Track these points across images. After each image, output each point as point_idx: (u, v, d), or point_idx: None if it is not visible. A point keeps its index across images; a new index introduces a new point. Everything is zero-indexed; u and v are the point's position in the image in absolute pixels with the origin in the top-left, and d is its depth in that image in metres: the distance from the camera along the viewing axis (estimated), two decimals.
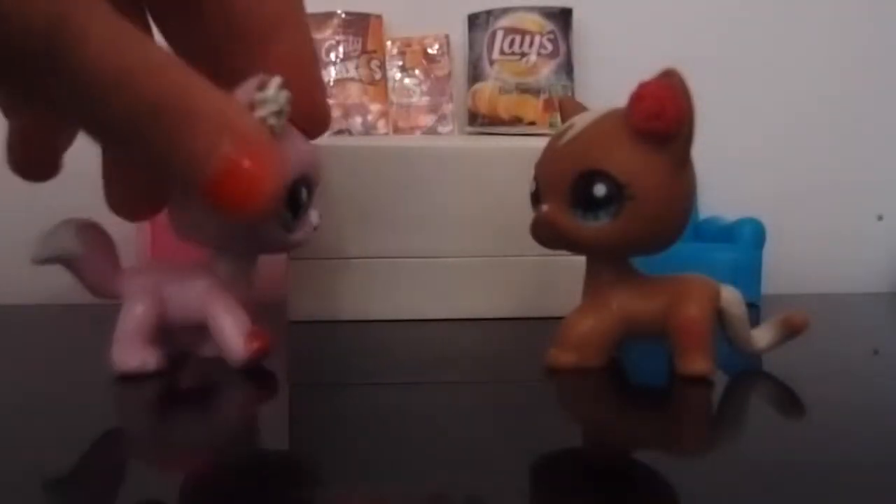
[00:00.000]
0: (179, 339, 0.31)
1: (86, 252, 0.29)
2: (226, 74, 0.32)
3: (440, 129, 0.51)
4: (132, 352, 0.29)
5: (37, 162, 0.26)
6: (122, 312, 0.30)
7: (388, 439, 0.23)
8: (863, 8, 0.56)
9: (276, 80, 0.26)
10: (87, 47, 0.17)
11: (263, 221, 0.28)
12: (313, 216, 0.31)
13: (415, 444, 0.23)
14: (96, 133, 0.20)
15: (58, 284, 0.48)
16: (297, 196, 0.29)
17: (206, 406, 0.28)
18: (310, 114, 0.28)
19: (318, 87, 0.29)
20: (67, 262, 0.29)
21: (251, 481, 0.20)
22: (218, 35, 0.26)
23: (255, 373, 0.30)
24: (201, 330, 0.30)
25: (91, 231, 0.30)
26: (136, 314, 0.29)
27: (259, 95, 0.26)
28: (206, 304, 0.30)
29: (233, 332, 0.30)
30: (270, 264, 0.34)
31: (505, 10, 0.50)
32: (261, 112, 0.26)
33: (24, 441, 0.23)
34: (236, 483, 0.20)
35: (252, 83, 0.26)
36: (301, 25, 0.27)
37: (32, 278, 0.48)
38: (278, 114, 0.26)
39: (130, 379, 0.29)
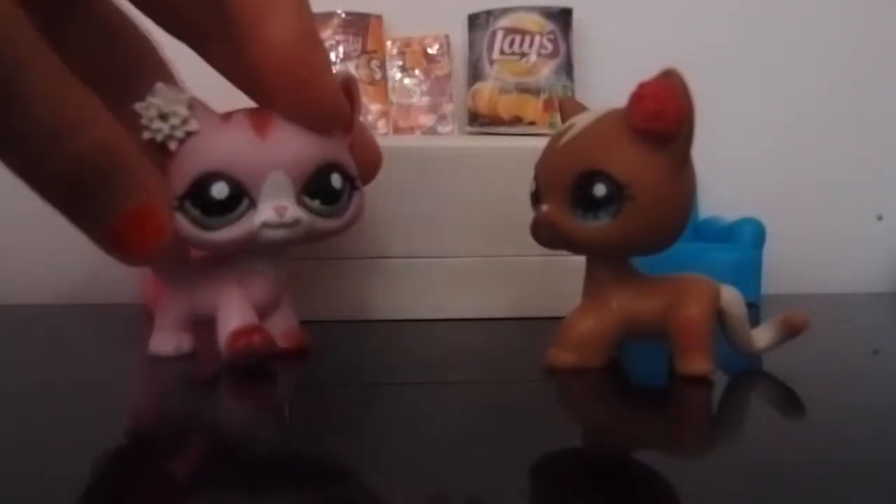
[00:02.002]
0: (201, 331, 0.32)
1: None
2: (217, 64, 0.32)
3: (440, 129, 0.51)
4: (161, 338, 0.32)
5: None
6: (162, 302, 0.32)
7: (387, 439, 0.23)
8: (863, 8, 0.56)
9: (157, 85, 0.26)
10: (32, 103, 0.19)
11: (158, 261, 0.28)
12: (262, 212, 0.28)
13: (414, 443, 0.23)
14: (32, 183, 0.22)
15: (59, 284, 0.49)
16: (205, 192, 0.27)
17: (202, 404, 0.28)
18: (301, 98, 0.27)
19: (316, 70, 0.27)
20: None
21: (249, 482, 0.20)
22: (207, 26, 0.27)
23: (255, 371, 0.30)
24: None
25: None
26: (171, 304, 0.32)
27: (137, 105, 0.26)
28: (218, 299, 0.30)
29: (226, 328, 0.30)
30: None
31: (505, 10, 0.50)
32: (143, 119, 0.26)
33: (34, 435, 0.23)
34: (234, 484, 0.20)
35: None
36: (290, 11, 0.26)
37: (32, 278, 0.48)
38: (163, 117, 0.26)
39: (127, 373, 0.29)
